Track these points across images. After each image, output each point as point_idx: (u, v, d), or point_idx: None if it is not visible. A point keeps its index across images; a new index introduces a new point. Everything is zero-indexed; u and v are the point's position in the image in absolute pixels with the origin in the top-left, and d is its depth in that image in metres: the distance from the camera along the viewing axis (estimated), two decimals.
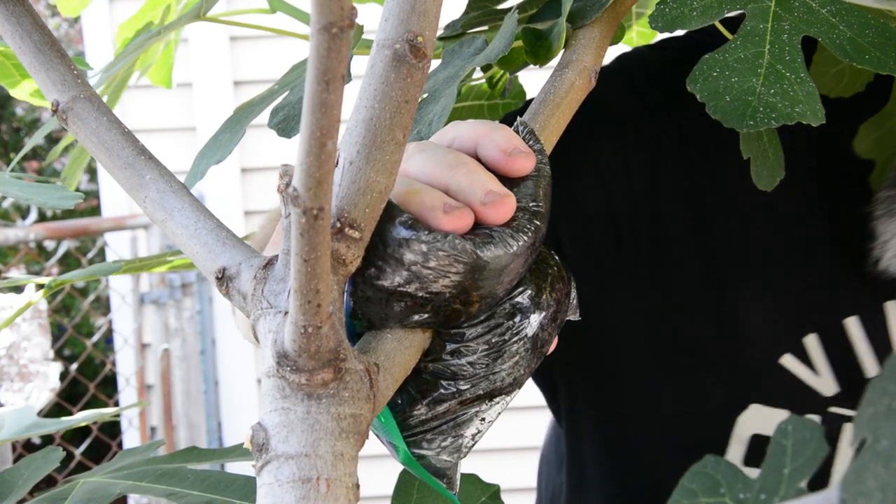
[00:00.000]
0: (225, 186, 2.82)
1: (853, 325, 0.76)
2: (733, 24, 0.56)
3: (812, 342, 0.76)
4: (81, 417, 0.70)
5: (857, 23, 0.52)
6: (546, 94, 0.51)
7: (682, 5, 0.52)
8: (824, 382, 0.77)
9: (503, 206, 0.43)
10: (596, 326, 0.76)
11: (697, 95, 0.50)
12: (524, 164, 0.45)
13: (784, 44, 0.51)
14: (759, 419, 0.76)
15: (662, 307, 0.77)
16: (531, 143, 0.47)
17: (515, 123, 0.48)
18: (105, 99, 0.73)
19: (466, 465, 0.49)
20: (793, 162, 0.68)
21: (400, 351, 0.42)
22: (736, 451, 0.77)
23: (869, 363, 0.76)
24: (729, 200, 0.76)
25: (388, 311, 0.42)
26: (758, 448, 0.77)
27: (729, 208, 0.76)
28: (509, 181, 0.45)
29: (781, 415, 0.77)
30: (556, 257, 0.47)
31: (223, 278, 0.42)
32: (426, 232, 0.41)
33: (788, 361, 0.76)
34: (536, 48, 0.56)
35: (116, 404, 3.12)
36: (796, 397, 0.76)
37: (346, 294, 0.42)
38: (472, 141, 0.47)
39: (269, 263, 0.41)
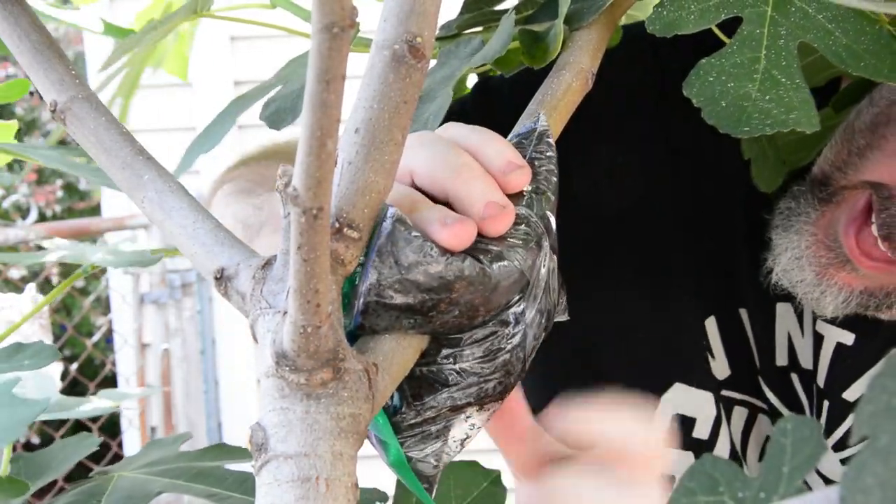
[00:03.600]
0: None
1: (745, 316, 0.80)
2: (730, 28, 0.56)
3: (711, 325, 0.80)
4: (99, 405, 0.70)
5: (852, 29, 0.51)
6: (543, 96, 0.51)
7: (680, 9, 0.51)
8: (719, 366, 0.80)
9: (501, 220, 0.43)
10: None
11: (693, 100, 0.50)
12: (519, 180, 0.44)
13: (780, 49, 0.50)
14: (681, 398, 0.80)
15: (603, 296, 0.80)
16: (542, 148, 0.46)
17: (531, 125, 0.48)
18: (119, 100, 0.74)
19: None
20: (729, 158, 0.71)
21: (398, 351, 0.42)
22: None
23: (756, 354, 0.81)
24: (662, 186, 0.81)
25: (395, 325, 0.42)
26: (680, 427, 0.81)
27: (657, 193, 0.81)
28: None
29: (700, 395, 0.80)
30: (553, 263, 0.46)
31: (221, 278, 0.42)
32: (441, 256, 0.41)
33: (705, 342, 0.80)
34: (533, 50, 0.56)
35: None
36: (704, 380, 0.80)
37: (356, 312, 0.42)
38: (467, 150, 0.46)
39: (268, 263, 0.41)
